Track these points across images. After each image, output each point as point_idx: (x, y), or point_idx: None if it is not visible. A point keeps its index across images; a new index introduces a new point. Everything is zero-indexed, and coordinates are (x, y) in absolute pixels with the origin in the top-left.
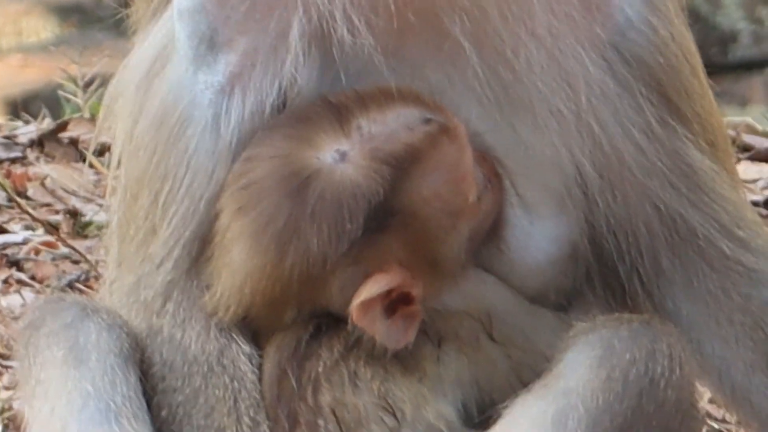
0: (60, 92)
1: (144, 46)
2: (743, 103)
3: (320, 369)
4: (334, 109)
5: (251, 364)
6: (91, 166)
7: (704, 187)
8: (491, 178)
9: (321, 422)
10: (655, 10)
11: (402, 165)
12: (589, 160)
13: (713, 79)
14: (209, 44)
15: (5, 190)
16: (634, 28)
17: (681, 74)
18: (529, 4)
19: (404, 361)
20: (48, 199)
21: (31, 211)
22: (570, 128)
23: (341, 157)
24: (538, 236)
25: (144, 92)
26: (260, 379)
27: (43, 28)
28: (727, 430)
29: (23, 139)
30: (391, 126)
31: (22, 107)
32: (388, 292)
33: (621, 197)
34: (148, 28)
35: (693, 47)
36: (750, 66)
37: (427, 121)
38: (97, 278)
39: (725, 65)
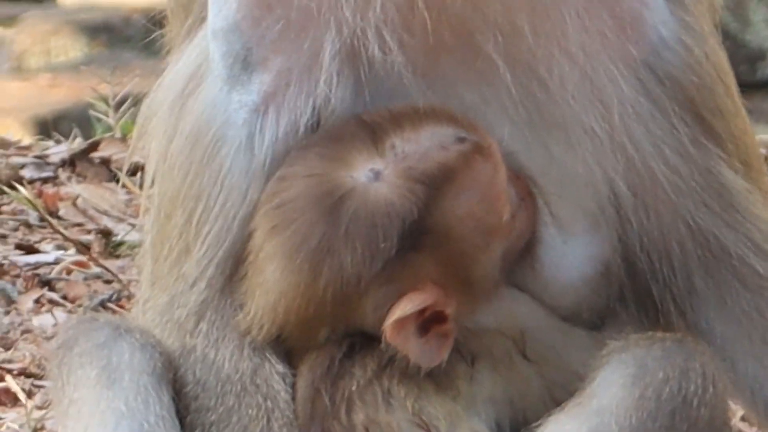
0: (91, 112)
1: (178, 66)
2: None
3: (354, 388)
4: (368, 128)
5: (284, 383)
6: (123, 185)
7: (738, 207)
8: (525, 197)
9: None
10: (689, 29)
11: (436, 184)
12: (623, 180)
13: (742, 97)
14: (243, 64)
15: (37, 209)
16: (668, 47)
17: (715, 93)
18: (562, 23)
19: (438, 379)
20: (79, 218)
21: (62, 230)
22: (603, 147)
23: (375, 176)
24: (571, 255)
25: (178, 111)
26: (293, 398)
27: (71, 48)
28: None
29: (54, 158)
30: (424, 145)
31: (52, 127)
32: (422, 311)
33: (654, 216)
34: (182, 47)
35: (727, 66)
36: None
37: (461, 140)
38: (129, 298)
39: (754, 83)
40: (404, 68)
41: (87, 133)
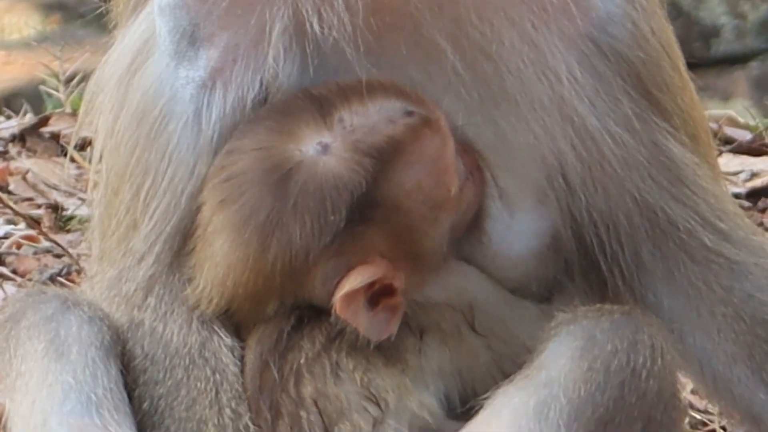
0: (42, 87)
1: (125, 41)
2: (726, 97)
3: (302, 360)
4: (316, 101)
5: (233, 356)
6: (72, 160)
7: (685, 180)
8: (472, 170)
9: (303, 413)
10: (635, 3)
11: (384, 157)
12: (571, 152)
13: (696, 74)
14: (190, 39)
15: None
16: (614, 22)
17: (661, 68)
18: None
19: (387, 352)
20: (30, 193)
21: (12, 205)
22: (551, 120)
23: (323, 149)
24: (518, 228)
25: (125, 87)
26: (242, 371)
27: (25, 25)
28: (710, 420)
29: (5, 133)
30: (373, 118)
31: (4, 104)
32: (371, 284)
33: (601, 190)
34: (129, 23)
35: (673, 40)
36: (733, 61)
37: (409, 113)
38: (79, 272)
39: (708, 60)
40: (350, 47)
41: (39, 109)
